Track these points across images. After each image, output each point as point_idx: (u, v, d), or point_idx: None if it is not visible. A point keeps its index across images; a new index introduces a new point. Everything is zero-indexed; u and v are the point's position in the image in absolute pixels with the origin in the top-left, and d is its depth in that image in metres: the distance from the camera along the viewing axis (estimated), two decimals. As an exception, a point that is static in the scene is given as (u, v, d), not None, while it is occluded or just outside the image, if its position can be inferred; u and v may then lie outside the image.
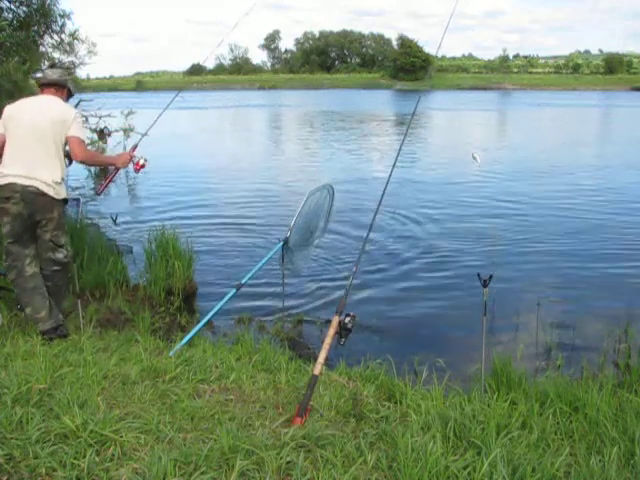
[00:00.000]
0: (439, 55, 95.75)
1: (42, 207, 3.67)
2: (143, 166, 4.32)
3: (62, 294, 4.04)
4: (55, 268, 3.87)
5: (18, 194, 3.60)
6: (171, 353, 3.48)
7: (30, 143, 3.69)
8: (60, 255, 3.85)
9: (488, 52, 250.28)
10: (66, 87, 4.07)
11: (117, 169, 4.26)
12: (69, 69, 3.95)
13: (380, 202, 3.17)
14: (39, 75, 4.05)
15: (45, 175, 3.66)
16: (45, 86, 3.99)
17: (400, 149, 3.35)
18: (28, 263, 3.78)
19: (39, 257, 3.84)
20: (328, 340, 2.73)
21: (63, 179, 3.81)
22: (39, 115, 3.75)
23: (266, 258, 4.71)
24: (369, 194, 9.98)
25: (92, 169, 14.14)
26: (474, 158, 10.00)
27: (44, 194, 3.65)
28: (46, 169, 3.68)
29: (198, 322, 4.28)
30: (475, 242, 7.43)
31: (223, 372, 3.13)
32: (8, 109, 3.84)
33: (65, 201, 3.88)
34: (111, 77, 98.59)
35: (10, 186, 3.61)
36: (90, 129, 14.60)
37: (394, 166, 3.41)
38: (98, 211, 9.24)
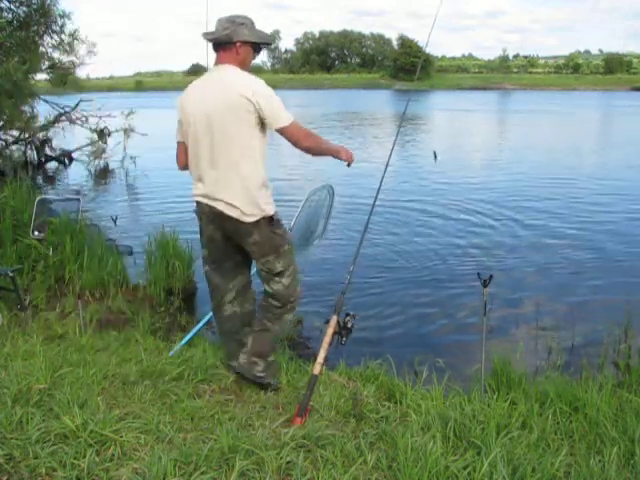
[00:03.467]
0: (438, 55, 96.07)
1: (234, 232, 2.85)
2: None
3: (266, 340, 2.99)
4: (272, 302, 2.95)
5: (205, 215, 2.90)
6: (171, 353, 3.48)
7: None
8: (277, 287, 2.90)
9: (488, 52, 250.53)
10: (235, 42, 2.76)
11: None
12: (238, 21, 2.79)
13: (375, 201, 3.17)
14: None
15: (227, 193, 2.76)
16: (215, 48, 2.84)
17: (392, 149, 3.36)
18: (229, 300, 3.04)
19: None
20: (327, 340, 2.73)
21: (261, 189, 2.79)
22: (209, 101, 2.74)
23: (266, 258, 4.70)
24: (370, 194, 9.96)
25: (92, 169, 14.15)
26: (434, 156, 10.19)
27: (229, 217, 2.78)
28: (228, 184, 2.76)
29: (198, 322, 4.29)
30: (476, 242, 7.43)
31: (223, 372, 3.13)
32: (180, 100, 2.88)
33: (270, 219, 2.81)
34: (111, 77, 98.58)
35: (198, 206, 2.93)
36: (90, 129, 14.62)
37: (387, 166, 3.43)
38: (98, 211, 9.24)
